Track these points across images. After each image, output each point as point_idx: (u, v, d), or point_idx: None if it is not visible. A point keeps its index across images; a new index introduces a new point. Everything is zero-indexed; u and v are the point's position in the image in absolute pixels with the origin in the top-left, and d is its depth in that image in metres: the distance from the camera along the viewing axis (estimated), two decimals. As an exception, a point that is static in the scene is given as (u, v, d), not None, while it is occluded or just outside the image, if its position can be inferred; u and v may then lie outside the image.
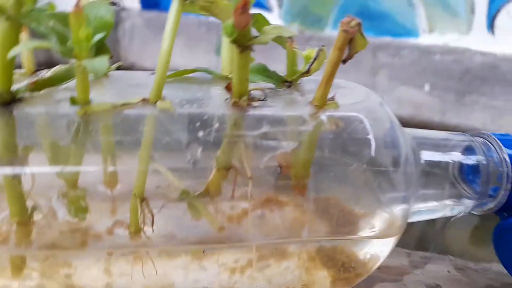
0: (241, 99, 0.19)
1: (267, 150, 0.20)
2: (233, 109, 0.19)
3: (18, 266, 0.18)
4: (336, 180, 0.21)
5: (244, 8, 0.16)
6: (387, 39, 0.91)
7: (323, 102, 0.20)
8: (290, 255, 0.22)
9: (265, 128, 0.19)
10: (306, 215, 0.21)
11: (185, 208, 0.19)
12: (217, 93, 0.21)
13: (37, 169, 0.18)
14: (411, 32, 0.88)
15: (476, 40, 0.81)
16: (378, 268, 0.30)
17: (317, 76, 0.24)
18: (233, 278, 0.21)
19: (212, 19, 0.19)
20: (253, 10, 0.17)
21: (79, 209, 0.18)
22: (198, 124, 0.19)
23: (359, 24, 0.18)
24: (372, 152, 0.20)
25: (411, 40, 0.88)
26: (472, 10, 0.80)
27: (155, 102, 0.19)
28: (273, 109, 0.20)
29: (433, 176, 0.24)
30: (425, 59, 0.87)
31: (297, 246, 0.23)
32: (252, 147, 0.19)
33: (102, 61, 0.16)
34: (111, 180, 0.19)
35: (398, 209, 0.22)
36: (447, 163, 0.24)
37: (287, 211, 0.21)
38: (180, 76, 0.22)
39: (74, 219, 0.19)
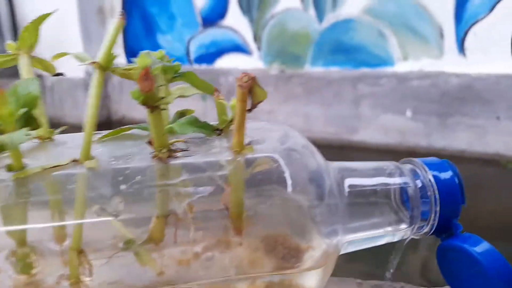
0: (161, 151, 0.21)
1: (199, 194, 0.21)
2: (155, 161, 0.21)
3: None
4: (265, 218, 0.22)
5: (146, 76, 0.18)
6: (365, 70, 0.94)
7: (240, 147, 0.22)
8: None
9: (184, 176, 0.21)
10: (248, 252, 0.22)
11: (131, 257, 0.21)
12: (147, 148, 0.23)
13: None
14: (386, 61, 0.91)
15: (450, 63, 0.84)
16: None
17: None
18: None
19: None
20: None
21: (26, 265, 0.19)
22: (121, 178, 0.20)
23: (253, 79, 0.20)
24: (289, 188, 0.22)
25: (388, 69, 0.90)
26: (441, 35, 0.83)
27: (84, 162, 0.21)
28: (193, 157, 0.22)
29: (365, 205, 0.25)
30: (403, 86, 0.89)
31: (245, 283, 0.24)
32: (186, 193, 0.21)
33: (18, 135, 0.18)
34: (59, 235, 0.21)
35: (325, 241, 0.23)
36: (375, 190, 0.25)
37: (231, 250, 0.22)
38: (117, 134, 0.24)
39: (21, 276, 0.20)
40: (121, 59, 1.18)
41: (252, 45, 1.03)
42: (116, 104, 1.11)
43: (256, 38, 1.07)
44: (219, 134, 0.25)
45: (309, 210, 0.23)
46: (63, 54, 0.23)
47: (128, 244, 0.22)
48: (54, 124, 0.24)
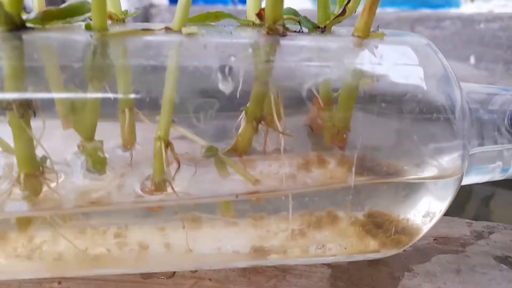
0: (276, 24, 0.16)
1: (301, 99, 0.17)
2: (267, 37, 0.16)
3: (25, 222, 0.16)
4: (381, 128, 0.18)
5: None
6: (425, 11, 0.86)
7: (366, 32, 0.17)
8: (341, 220, 0.19)
9: (304, 55, 0.17)
10: (348, 166, 0.18)
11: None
12: (246, 30, 0.18)
13: (48, 95, 0.15)
14: (451, 2, 0.83)
15: (525, 4, 0.75)
16: (435, 239, 0.27)
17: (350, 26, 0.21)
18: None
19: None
20: None
21: (98, 161, 0.16)
22: (229, 50, 0.16)
23: None
24: (425, 87, 0.17)
25: (452, 11, 0.82)
26: (518, -29, 0.74)
27: (180, 30, 0.16)
28: (311, 38, 0.17)
29: (485, 127, 0.21)
30: (468, 29, 0.82)
31: (345, 212, 0.20)
32: (283, 95, 0.17)
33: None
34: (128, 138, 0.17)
35: (453, 157, 0.19)
36: (496, 114, 0.21)
37: (328, 165, 0.18)
38: (203, 19, 0.19)
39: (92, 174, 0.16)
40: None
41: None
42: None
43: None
44: (322, 32, 0.21)
45: (439, 121, 0.18)
46: None
47: (210, 151, 0.18)
48: None
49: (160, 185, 0.16)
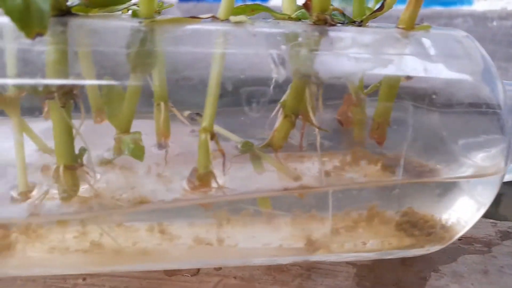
0: (324, 13, 0.16)
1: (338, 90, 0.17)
2: (314, 27, 0.16)
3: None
4: (425, 122, 0.17)
5: None
6: (437, 9, 0.85)
7: (411, 24, 0.17)
8: (385, 216, 0.19)
9: (352, 46, 0.16)
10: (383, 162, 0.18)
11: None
12: (290, 22, 0.18)
13: (95, 82, 0.15)
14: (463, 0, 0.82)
15: (539, 1, 0.75)
16: (460, 239, 0.27)
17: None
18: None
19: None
20: None
21: (138, 148, 0.15)
22: (278, 38, 0.16)
23: None
24: (472, 80, 0.17)
25: (464, 8, 0.82)
26: (532, -32, 0.73)
27: (226, 19, 0.16)
28: (356, 29, 0.17)
29: None
30: (480, 27, 0.81)
31: (390, 208, 0.19)
32: (323, 88, 0.16)
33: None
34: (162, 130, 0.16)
35: (498, 152, 0.18)
36: None
37: (367, 162, 0.18)
38: (240, 12, 0.19)
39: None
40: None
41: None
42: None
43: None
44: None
45: (485, 115, 0.18)
46: None
47: (245, 147, 0.17)
48: None
49: (205, 178, 0.16)
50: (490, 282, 0.23)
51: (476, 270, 0.24)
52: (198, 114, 0.18)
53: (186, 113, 0.18)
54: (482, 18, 0.86)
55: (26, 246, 0.16)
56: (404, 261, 0.24)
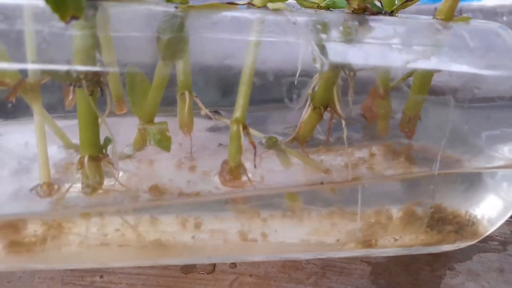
0: (365, 1, 0.16)
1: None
2: (354, 16, 0.16)
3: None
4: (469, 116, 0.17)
5: None
6: (446, 3, 0.85)
7: (450, 15, 0.17)
8: (417, 212, 0.18)
9: (393, 36, 0.16)
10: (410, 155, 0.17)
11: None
12: (324, 10, 0.17)
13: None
14: (473, -6, 0.81)
15: (550, -4, 0.74)
16: (475, 237, 0.27)
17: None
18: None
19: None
20: None
21: (164, 138, 0.15)
22: (318, 26, 0.15)
23: None
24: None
25: (474, 3, 0.81)
26: (544, -37, 0.72)
27: (264, 5, 0.16)
28: (394, 19, 0.17)
29: None
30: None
31: (423, 204, 0.19)
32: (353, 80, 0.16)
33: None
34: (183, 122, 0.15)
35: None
36: None
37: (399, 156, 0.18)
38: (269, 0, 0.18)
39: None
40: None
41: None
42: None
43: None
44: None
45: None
46: None
47: (270, 142, 0.17)
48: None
49: (235, 171, 0.15)
50: (506, 280, 0.23)
51: (491, 269, 0.24)
52: (217, 112, 0.17)
53: (203, 112, 0.18)
54: (492, 13, 0.86)
55: (58, 241, 0.16)
56: (418, 259, 0.24)
